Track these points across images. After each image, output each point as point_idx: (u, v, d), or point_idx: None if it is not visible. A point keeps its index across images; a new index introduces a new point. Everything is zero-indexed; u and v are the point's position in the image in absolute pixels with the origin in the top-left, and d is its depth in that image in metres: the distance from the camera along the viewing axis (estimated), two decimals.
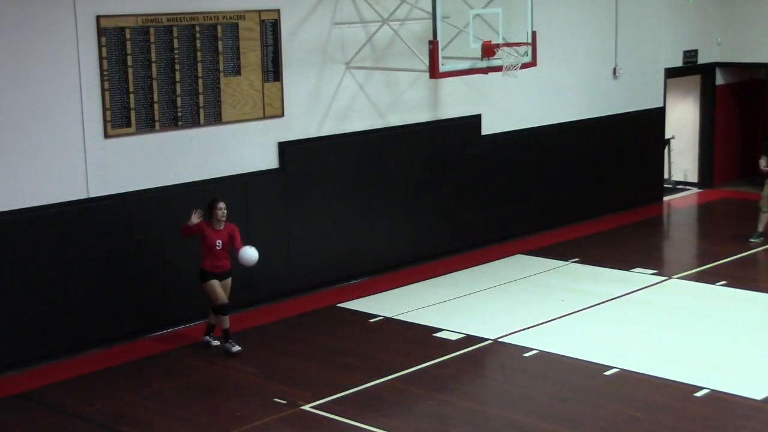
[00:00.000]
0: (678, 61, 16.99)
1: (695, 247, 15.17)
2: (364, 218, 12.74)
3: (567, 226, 15.16)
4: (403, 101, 13.03)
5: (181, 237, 10.26)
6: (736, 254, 13.57)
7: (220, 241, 10.08)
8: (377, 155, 12.78)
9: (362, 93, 12.60)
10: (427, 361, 9.90)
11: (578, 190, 15.44)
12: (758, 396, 8.91)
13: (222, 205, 10.08)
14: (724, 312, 11.34)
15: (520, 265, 13.28)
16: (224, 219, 10.13)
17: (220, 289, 10.11)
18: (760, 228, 14.12)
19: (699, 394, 8.99)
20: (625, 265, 13.12)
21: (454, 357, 10.05)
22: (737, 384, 9.18)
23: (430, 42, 11.44)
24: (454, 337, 10.59)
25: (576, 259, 13.44)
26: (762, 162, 14.04)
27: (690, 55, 17.15)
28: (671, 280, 12.57)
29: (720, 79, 17.79)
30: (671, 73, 16.87)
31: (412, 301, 11.81)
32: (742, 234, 14.33)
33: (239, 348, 10.11)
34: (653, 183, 16.89)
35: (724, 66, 17.67)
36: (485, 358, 10.19)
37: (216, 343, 10.41)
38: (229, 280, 10.27)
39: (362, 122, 12.64)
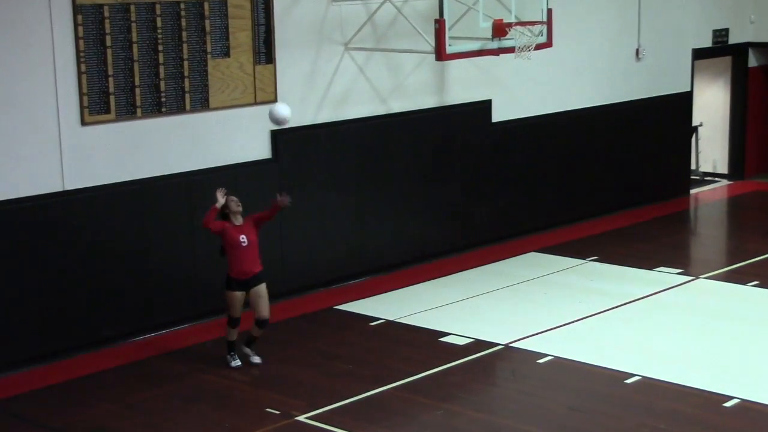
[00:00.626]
0: (707, 41, 16.99)
1: (724, 244, 15.18)
2: (364, 213, 12.77)
3: (585, 221, 15.19)
4: (406, 85, 13.05)
5: (204, 228, 9.84)
6: (763, 253, 13.55)
7: (244, 237, 9.80)
8: (378, 144, 12.81)
9: (362, 76, 12.62)
10: (433, 368, 9.93)
11: (597, 183, 15.46)
12: None
13: (234, 197, 9.88)
14: (756, 315, 11.35)
15: (533, 263, 13.31)
16: (241, 210, 9.87)
17: (240, 303, 9.89)
18: None
19: (728, 404, 9.01)
20: (648, 263, 13.14)
21: (462, 363, 10.08)
22: (767, 392, 9.19)
23: (436, 21, 11.45)
24: (461, 341, 10.63)
25: (594, 258, 13.47)
26: None
27: (720, 35, 17.15)
28: (698, 280, 12.60)
29: (753, 61, 17.79)
30: (699, 54, 16.87)
31: (417, 302, 11.84)
32: None
33: (240, 363, 10.05)
34: (679, 174, 16.90)
35: (758, 46, 17.67)
36: (495, 364, 10.22)
37: (257, 360, 10.05)
38: (262, 287, 9.89)
39: (362, 108, 12.66)
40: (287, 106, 9.97)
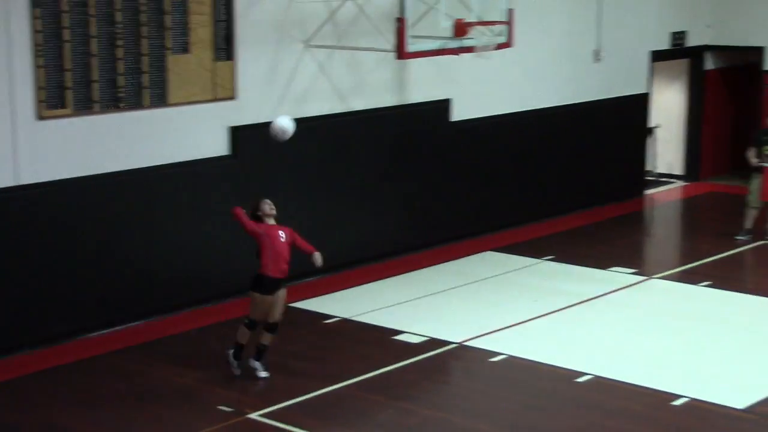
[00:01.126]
0: (665, 44, 17.07)
1: (678, 244, 15.31)
2: (321, 210, 12.70)
3: (541, 221, 15.21)
4: (367, 84, 13.00)
5: (232, 215, 9.55)
6: (721, 253, 13.70)
7: (282, 232, 9.52)
8: (338, 142, 12.75)
9: (323, 74, 12.55)
10: (387, 366, 9.90)
11: (554, 183, 15.49)
12: (739, 405, 9.01)
13: (269, 201, 9.62)
14: (707, 314, 11.44)
15: (489, 262, 13.31)
16: (275, 214, 9.62)
17: (267, 308, 9.51)
18: (747, 225, 14.26)
19: (677, 402, 9.07)
20: (603, 263, 13.19)
21: (417, 361, 10.06)
22: (718, 392, 9.28)
23: (397, 20, 11.41)
24: (416, 340, 10.60)
25: (550, 257, 13.50)
26: (750, 154, 14.19)
27: (678, 38, 17.25)
28: (651, 280, 12.66)
29: (710, 64, 17.92)
30: (657, 56, 16.96)
31: (372, 300, 11.80)
32: (729, 231, 14.46)
33: (239, 371, 9.70)
34: (635, 175, 16.98)
35: (714, 49, 17.78)
36: (449, 362, 10.21)
37: (266, 374, 9.57)
38: (284, 291, 9.61)
39: (322, 106, 12.60)
40: (288, 118, 9.73)
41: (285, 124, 9.65)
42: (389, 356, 10.13)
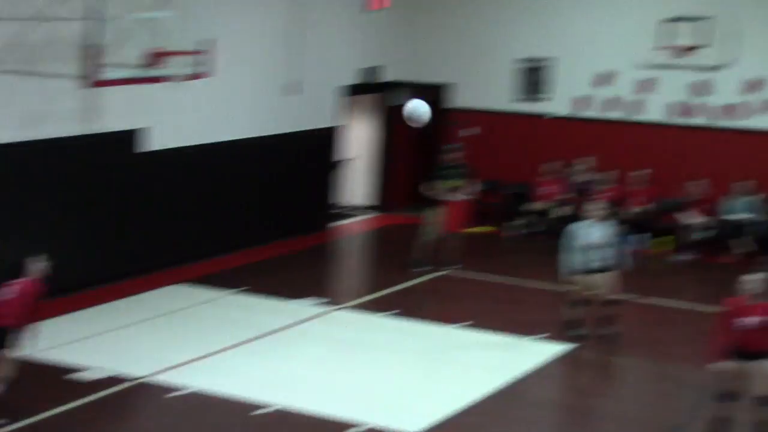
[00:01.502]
0: (357, 79, 17.49)
1: (365, 275, 15.66)
2: (6, 242, 11.97)
3: (235, 252, 15.08)
4: (55, 111, 12.40)
5: None
6: (403, 283, 14.13)
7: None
8: (23, 171, 12.09)
9: (9, 100, 11.85)
10: (60, 406, 9.40)
11: (249, 214, 15.44)
12: (414, 429, 9.27)
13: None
14: (391, 343, 11.74)
15: (181, 295, 13.06)
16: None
17: None
18: (423, 256, 14.76)
19: (354, 430, 9.18)
20: (292, 294, 13.24)
21: (93, 400, 9.64)
22: (395, 418, 9.49)
23: (88, 46, 10.97)
24: (94, 376, 10.16)
25: (239, 289, 13.39)
26: (429, 187, 14.77)
27: (369, 73, 17.72)
28: (337, 310, 12.85)
29: (399, 99, 18.51)
30: (353, 90, 17.34)
31: (53, 337, 10.96)
32: (411, 262, 14.90)
33: None
34: (326, 207, 17.22)
35: (402, 86, 18.41)
36: (128, 399, 9.85)
37: None
38: None
39: (7, 133, 11.89)
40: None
41: (414, 108, 9.73)
42: (63, 395, 9.62)
